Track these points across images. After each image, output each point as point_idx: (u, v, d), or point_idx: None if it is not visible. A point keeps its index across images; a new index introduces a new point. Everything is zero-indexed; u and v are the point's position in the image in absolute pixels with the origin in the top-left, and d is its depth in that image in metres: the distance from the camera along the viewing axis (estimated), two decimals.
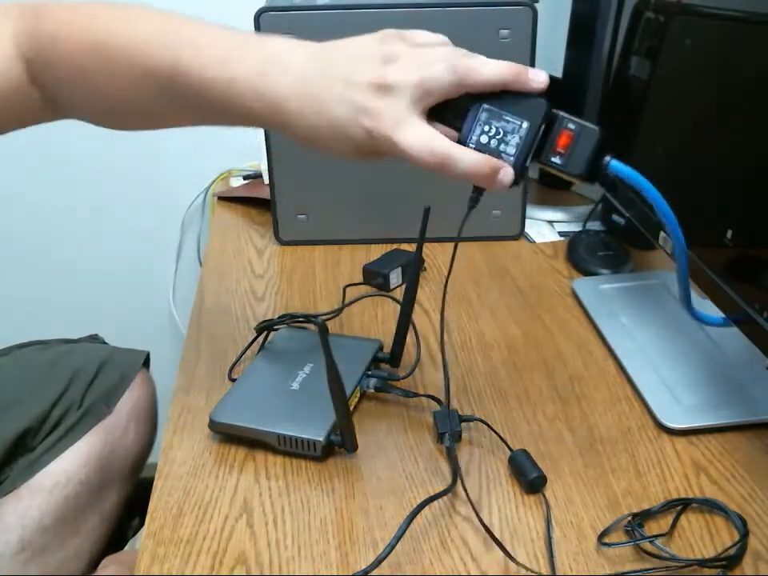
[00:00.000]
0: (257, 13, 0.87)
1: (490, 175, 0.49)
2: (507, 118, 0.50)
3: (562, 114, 0.51)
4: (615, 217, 0.97)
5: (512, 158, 0.50)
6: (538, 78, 0.50)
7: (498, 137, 0.51)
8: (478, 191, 0.53)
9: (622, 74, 0.83)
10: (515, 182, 0.51)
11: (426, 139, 0.48)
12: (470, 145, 0.51)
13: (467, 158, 0.49)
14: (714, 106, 0.66)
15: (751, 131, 0.59)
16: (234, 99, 0.50)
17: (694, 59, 0.69)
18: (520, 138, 0.50)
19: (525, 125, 0.50)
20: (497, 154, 0.50)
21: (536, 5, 0.86)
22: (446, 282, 0.57)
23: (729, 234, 0.60)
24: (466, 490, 0.54)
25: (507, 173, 0.50)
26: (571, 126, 0.51)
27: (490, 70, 0.49)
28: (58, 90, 0.55)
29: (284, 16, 0.87)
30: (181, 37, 0.51)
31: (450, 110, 0.51)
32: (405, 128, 0.48)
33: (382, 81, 0.48)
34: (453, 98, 0.50)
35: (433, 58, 0.49)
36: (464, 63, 0.49)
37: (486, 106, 0.51)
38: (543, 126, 0.51)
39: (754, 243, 0.59)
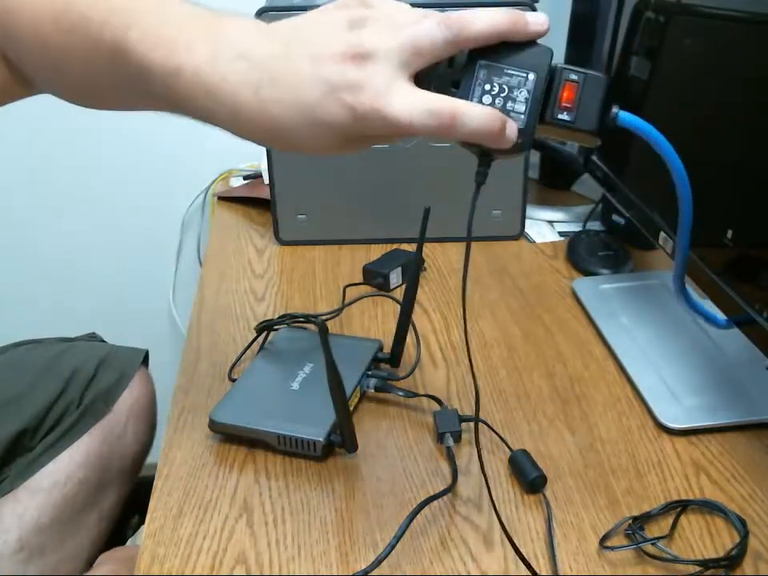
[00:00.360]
0: (257, 13, 0.87)
1: (501, 130, 0.42)
2: (510, 71, 0.44)
3: (560, 65, 0.45)
4: (615, 217, 0.97)
5: (522, 116, 0.44)
6: (537, 20, 0.43)
7: (503, 94, 0.44)
8: (486, 162, 0.46)
9: (622, 74, 0.83)
10: (529, 143, 0.45)
11: (422, 101, 0.41)
12: None
13: (475, 112, 0.41)
14: (713, 106, 0.66)
15: (751, 131, 0.59)
16: (180, 90, 0.43)
17: (694, 59, 0.69)
18: (528, 91, 0.44)
19: (531, 76, 0.44)
20: (505, 114, 0.43)
21: (536, 5, 0.86)
22: (464, 285, 0.47)
23: (729, 233, 0.60)
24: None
25: (512, 127, 0.43)
26: (573, 76, 0.45)
27: (485, 19, 0.42)
28: (23, 65, 0.50)
29: (284, 16, 0.86)
30: (132, 9, 0.44)
31: (440, 76, 0.44)
32: (394, 95, 0.40)
33: (357, 48, 0.40)
34: (441, 60, 0.43)
35: (412, 18, 0.42)
36: (455, 15, 0.42)
37: (483, 62, 0.44)
38: (548, 79, 0.44)
39: (754, 243, 0.59)
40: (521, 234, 0.99)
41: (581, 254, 0.92)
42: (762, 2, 0.58)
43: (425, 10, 0.43)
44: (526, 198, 0.97)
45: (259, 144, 0.45)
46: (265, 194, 1.04)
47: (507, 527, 0.54)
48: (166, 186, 1.35)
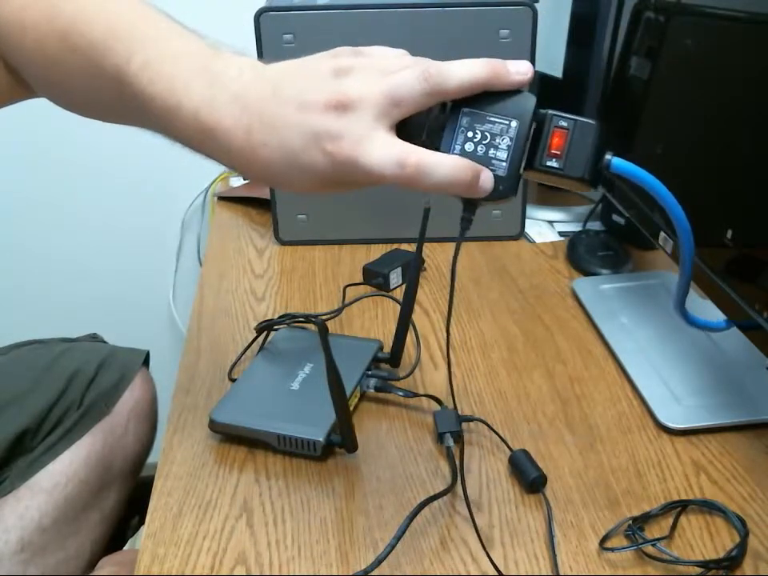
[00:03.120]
0: (257, 13, 0.87)
1: (473, 179, 0.43)
2: (492, 118, 0.44)
3: (551, 111, 0.45)
4: (615, 217, 0.97)
5: (504, 164, 0.44)
6: (519, 69, 0.43)
7: (485, 142, 0.44)
8: (470, 210, 0.46)
9: (622, 74, 0.83)
10: (512, 191, 0.44)
11: (392, 151, 0.41)
12: (454, 154, 0.44)
13: (444, 162, 0.42)
14: (714, 106, 0.66)
15: (751, 131, 0.59)
16: (178, 126, 0.44)
17: (693, 59, 0.69)
18: (510, 138, 0.44)
19: (514, 123, 0.44)
20: (486, 161, 0.44)
21: (536, 5, 0.86)
22: (451, 290, 0.48)
23: (729, 233, 0.60)
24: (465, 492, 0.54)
25: (487, 176, 0.43)
26: (563, 123, 0.44)
27: (464, 70, 0.42)
28: (24, 72, 0.51)
29: (284, 16, 0.87)
30: (133, 38, 0.46)
31: (421, 126, 0.44)
32: (368, 145, 0.41)
33: (339, 96, 0.41)
34: (424, 110, 0.43)
35: (396, 66, 0.43)
36: (434, 67, 0.42)
37: (466, 109, 0.44)
38: (534, 125, 0.44)
39: (754, 243, 0.59)
40: (521, 234, 0.99)
41: (581, 253, 0.92)
42: (762, 2, 0.58)
43: (415, 58, 0.44)
44: (526, 198, 0.97)
45: (254, 181, 0.46)
46: (265, 194, 1.04)
47: (507, 527, 0.54)
48: (166, 186, 1.35)
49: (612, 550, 0.52)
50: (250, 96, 0.43)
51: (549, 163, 0.44)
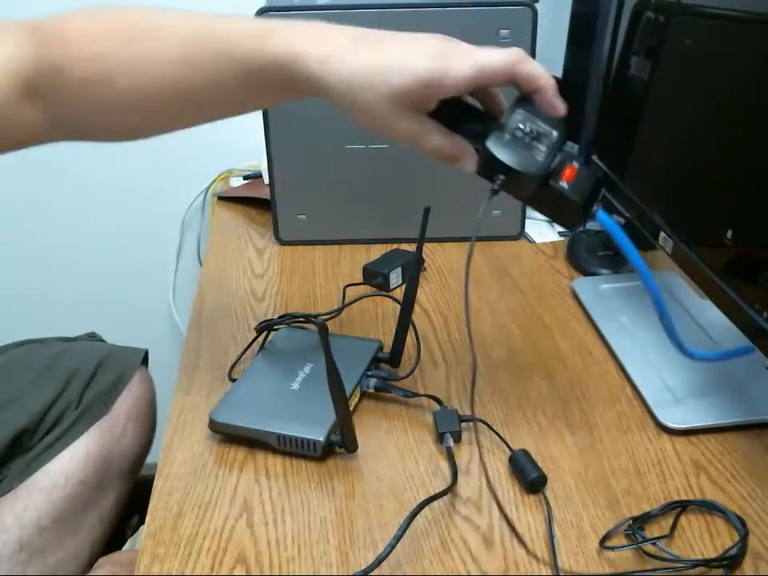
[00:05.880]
0: (257, 13, 0.87)
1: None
2: (540, 123, 0.54)
3: (567, 149, 0.55)
4: (615, 217, 0.97)
5: (543, 154, 0.53)
6: (558, 107, 0.55)
7: (532, 135, 0.53)
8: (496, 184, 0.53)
9: (622, 74, 0.83)
10: (546, 180, 0.53)
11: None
12: (506, 134, 0.53)
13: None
14: (714, 105, 0.66)
15: (751, 131, 0.59)
16: (328, 74, 0.53)
17: (694, 59, 0.69)
18: (551, 141, 0.54)
19: (555, 134, 0.54)
20: (532, 147, 0.53)
21: (536, 5, 0.87)
22: (466, 285, 0.56)
23: (729, 233, 0.60)
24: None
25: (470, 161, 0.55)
26: (575, 163, 0.54)
27: (539, 69, 0.53)
28: (70, 108, 0.57)
29: (284, 16, 0.87)
30: (264, 28, 0.55)
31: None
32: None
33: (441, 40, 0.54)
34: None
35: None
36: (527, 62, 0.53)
37: (519, 109, 0.54)
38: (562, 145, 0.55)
39: (754, 243, 0.59)
40: (521, 234, 0.99)
41: (581, 253, 0.92)
42: (762, 2, 0.58)
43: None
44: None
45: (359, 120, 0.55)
46: (265, 193, 1.04)
47: (507, 527, 0.54)
48: (166, 186, 1.35)
49: (612, 548, 0.52)
50: (373, 38, 0.58)
51: (561, 183, 0.54)
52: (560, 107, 0.54)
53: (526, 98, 0.54)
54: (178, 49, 0.55)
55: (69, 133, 0.61)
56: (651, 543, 0.51)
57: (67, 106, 0.58)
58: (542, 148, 0.53)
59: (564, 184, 0.53)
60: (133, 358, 0.90)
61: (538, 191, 0.54)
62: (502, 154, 0.52)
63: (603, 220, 0.56)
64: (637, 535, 0.52)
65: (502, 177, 0.52)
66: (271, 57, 0.53)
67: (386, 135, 0.55)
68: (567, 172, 0.54)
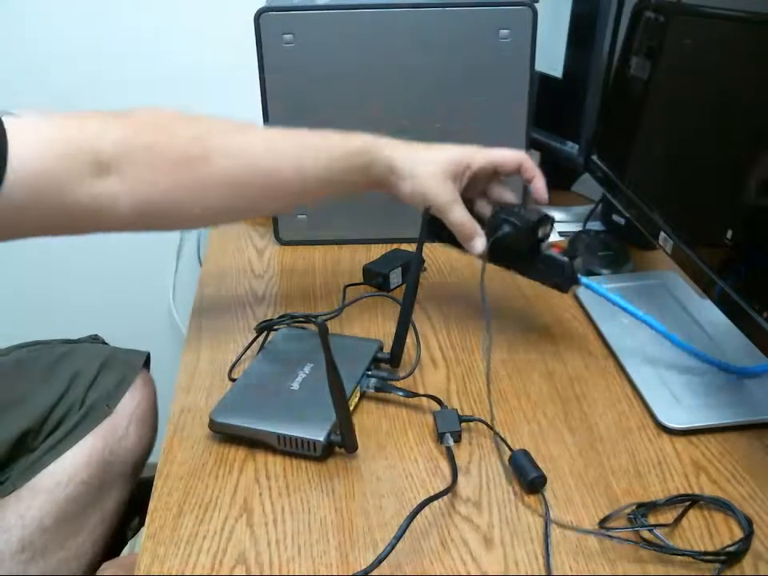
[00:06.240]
0: (257, 13, 0.87)
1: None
2: (528, 207, 0.73)
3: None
4: (615, 217, 0.97)
5: (534, 216, 0.71)
6: (545, 194, 0.74)
7: (523, 210, 0.72)
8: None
9: (622, 74, 0.83)
10: (538, 244, 0.73)
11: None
12: (506, 209, 0.72)
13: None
14: (714, 105, 0.66)
15: (751, 131, 0.59)
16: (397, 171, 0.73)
17: (693, 59, 0.69)
18: (538, 213, 0.72)
19: (541, 210, 0.72)
20: (524, 215, 0.71)
21: (536, 5, 0.87)
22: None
23: (729, 234, 0.60)
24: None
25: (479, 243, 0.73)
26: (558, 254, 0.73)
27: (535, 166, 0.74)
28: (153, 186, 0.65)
29: (284, 16, 0.87)
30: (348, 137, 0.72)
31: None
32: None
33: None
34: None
35: None
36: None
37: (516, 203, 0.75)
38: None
39: (754, 243, 0.59)
40: None
41: (581, 254, 0.92)
42: (762, 2, 0.58)
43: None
44: (525, 199, 0.97)
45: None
46: None
47: (507, 527, 0.54)
48: None
49: (609, 529, 0.52)
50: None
51: (551, 251, 0.73)
52: (546, 195, 0.73)
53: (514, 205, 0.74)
54: (277, 144, 0.70)
55: (149, 217, 0.67)
56: (648, 530, 0.51)
57: (150, 183, 0.64)
58: (534, 216, 0.70)
59: (553, 252, 0.72)
60: (135, 361, 0.91)
61: (534, 257, 0.72)
62: (504, 214, 0.71)
63: (589, 285, 0.72)
64: (637, 520, 0.52)
65: (505, 228, 0.69)
66: (353, 147, 0.70)
67: (428, 199, 0.71)
68: (556, 248, 0.73)
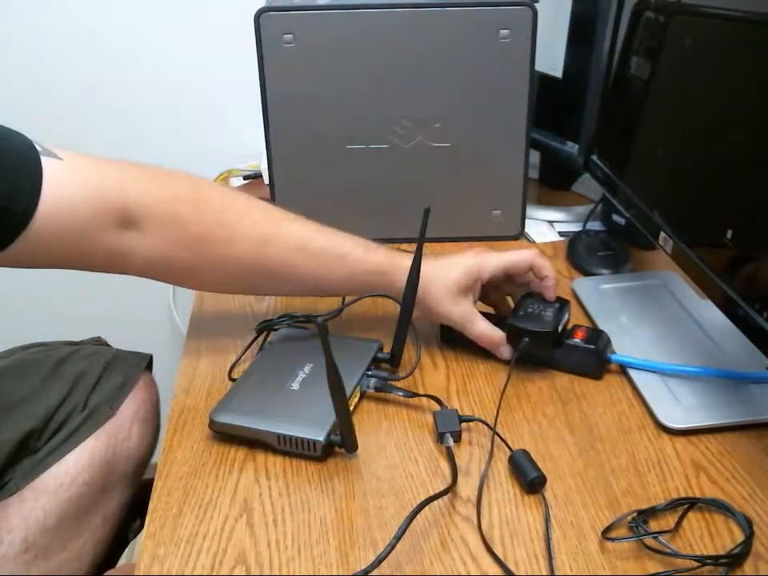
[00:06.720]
0: (257, 13, 0.87)
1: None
2: (542, 302, 0.72)
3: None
4: (615, 217, 0.97)
5: (551, 317, 0.70)
6: (555, 292, 0.73)
7: (539, 309, 0.71)
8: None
9: (622, 74, 0.83)
10: (557, 342, 0.71)
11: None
12: (521, 312, 0.71)
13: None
14: (714, 105, 0.66)
15: (751, 131, 0.59)
16: (397, 281, 0.71)
17: (693, 59, 0.69)
18: (554, 309, 0.71)
19: (556, 305, 0.72)
20: (542, 316, 0.70)
21: (536, 5, 0.87)
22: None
23: (729, 234, 0.60)
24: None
25: (505, 351, 0.71)
26: (584, 329, 0.73)
27: (548, 263, 0.73)
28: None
29: (284, 16, 0.87)
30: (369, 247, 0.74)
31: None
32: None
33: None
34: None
35: None
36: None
37: (525, 299, 0.73)
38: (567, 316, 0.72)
39: (754, 243, 0.59)
40: (521, 234, 0.99)
41: (581, 254, 0.92)
42: (762, 2, 0.58)
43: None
44: (526, 198, 0.97)
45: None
46: (265, 193, 1.04)
47: (507, 527, 0.54)
48: None
49: (613, 540, 0.52)
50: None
51: (574, 340, 0.71)
52: (555, 295, 0.72)
53: (528, 294, 0.73)
54: (307, 245, 0.71)
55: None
56: (653, 537, 0.51)
57: (169, 250, 0.67)
58: (549, 314, 0.70)
59: (578, 341, 0.70)
60: (137, 363, 0.91)
61: (560, 349, 0.70)
62: (521, 323, 0.69)
63: (621, 361, 0.70)
64: (640, 528, 0.52)
65: (525, 339, 0.68)
66: (373, 265, 0.72)
67: (445, 319, 0.72)
68: (579, 333, 0.71)
